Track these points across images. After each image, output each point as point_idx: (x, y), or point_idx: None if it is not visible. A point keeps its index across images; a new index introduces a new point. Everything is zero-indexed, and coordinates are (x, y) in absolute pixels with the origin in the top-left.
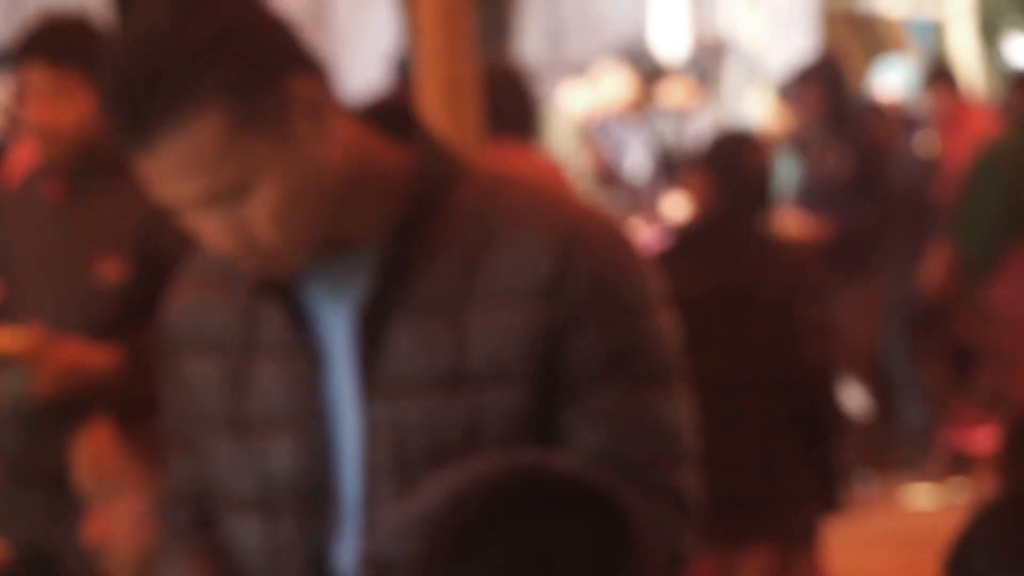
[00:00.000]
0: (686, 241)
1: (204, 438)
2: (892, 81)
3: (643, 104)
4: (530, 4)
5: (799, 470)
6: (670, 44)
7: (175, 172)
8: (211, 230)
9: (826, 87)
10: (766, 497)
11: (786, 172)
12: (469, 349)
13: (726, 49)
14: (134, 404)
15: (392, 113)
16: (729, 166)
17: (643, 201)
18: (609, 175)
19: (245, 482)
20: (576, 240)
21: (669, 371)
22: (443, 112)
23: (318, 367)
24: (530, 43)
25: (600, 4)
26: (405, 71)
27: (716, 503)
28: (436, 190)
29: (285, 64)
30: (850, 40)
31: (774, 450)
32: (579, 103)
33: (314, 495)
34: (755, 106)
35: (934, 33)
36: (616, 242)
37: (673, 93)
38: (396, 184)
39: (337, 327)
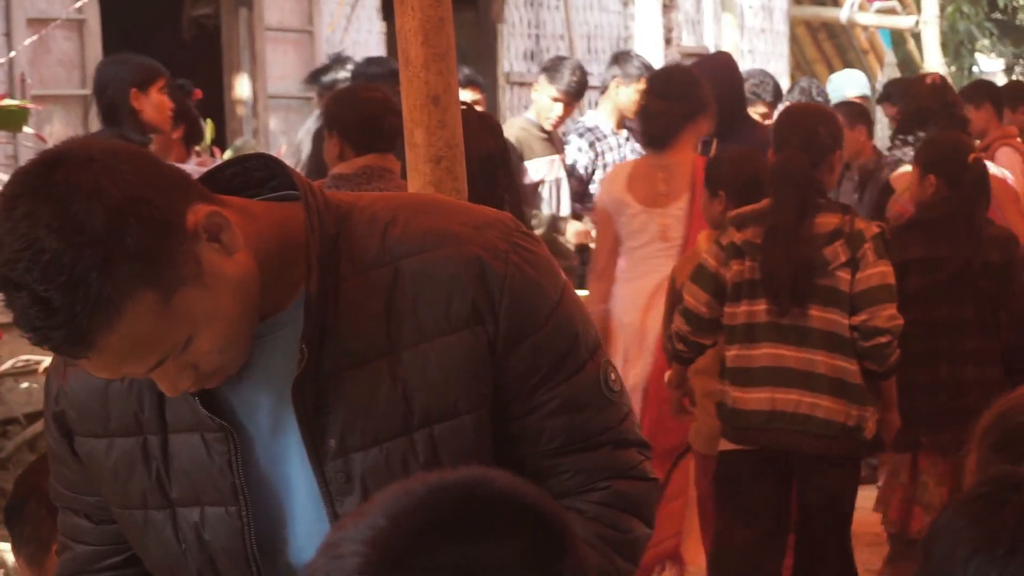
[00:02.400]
0: (921, 220)
1: (128, 515)
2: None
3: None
4: (513, 22)
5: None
6: (650, 58)
7: (125, 361)
8: (165, 383)
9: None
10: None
11: None
12: (412, 396)
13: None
14: None
15: (261, 167)
16: (952, 165)
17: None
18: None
19: (186, 557)
20: (487, 258)
21: (594, 341)
22: (424, 123)
23: (238, 441)
24: (513, 60)
25: (582, 21)
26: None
27: (946, 418)
28: (332, 246)
29: (175, 210)
30: (825, 50)
31: (992, 377)
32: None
33: (258, 561)
34: None
35: (902, 44)
36: (520, 241)
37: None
38: (295, 249)
39: (265, 400)
